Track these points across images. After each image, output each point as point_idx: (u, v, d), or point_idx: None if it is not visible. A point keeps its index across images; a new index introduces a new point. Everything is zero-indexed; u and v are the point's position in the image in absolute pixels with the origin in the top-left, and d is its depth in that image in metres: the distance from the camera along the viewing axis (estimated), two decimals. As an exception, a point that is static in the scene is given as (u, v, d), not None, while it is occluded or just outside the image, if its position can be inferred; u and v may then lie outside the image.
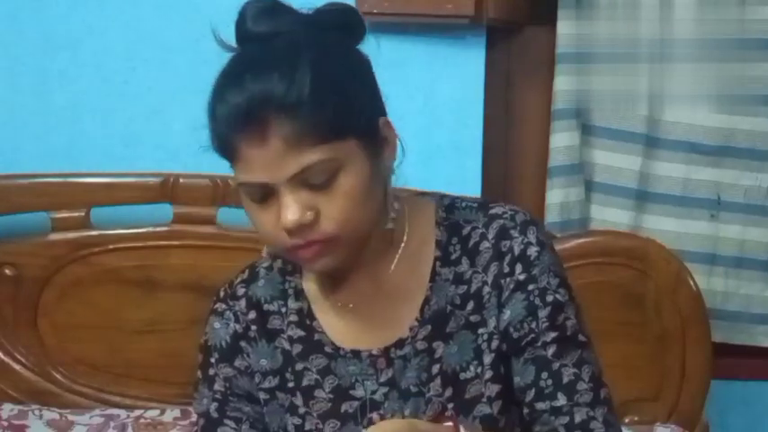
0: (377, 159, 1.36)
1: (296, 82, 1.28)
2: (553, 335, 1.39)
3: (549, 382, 1.38)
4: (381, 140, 1.37)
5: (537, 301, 1.39)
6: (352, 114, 1.32)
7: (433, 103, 2.23)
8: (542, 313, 1.39)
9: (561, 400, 1.37)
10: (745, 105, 2.30)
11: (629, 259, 2.13)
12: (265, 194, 1.33)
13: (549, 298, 1.40)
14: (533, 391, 1.38)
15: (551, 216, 2.28)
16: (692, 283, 2.13)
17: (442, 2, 2.14)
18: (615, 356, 2.12)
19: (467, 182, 2.21)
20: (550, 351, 1.39)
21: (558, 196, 2.29)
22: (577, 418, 1.37)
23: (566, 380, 1.38)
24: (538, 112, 2.36)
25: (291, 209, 1.31)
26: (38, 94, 2.23)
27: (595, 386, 1.39)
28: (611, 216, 2.33)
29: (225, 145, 1.33)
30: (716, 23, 2.26)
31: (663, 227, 2.32)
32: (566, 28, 2.26)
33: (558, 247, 2.08)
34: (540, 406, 1.38)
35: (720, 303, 2.35)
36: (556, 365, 1.38)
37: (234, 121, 1.30)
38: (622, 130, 2.31)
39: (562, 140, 2.28)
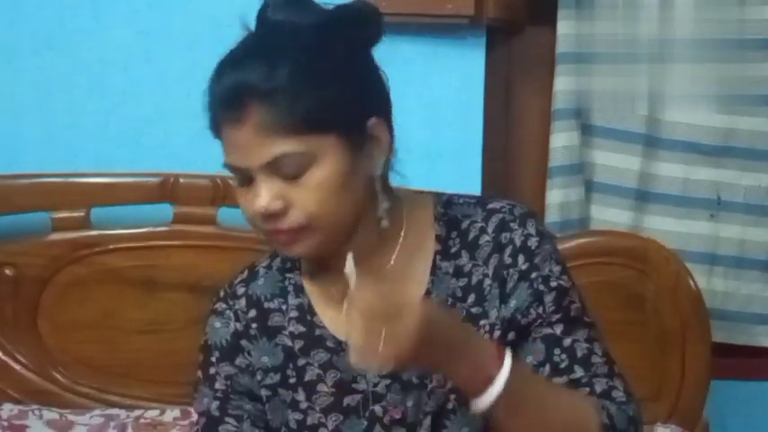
0: (358, 157, 1.37)
1: (274, 72, 1.31)
2: (559, 316, 1.41)
3: (564, 356, 1.39)
4: (367, 139, 1.38)
5: (541, 287, 1.41)
6: (334, 111, 1.34)
7: (433, 104, 2.23)
8: (548, 298, 1.41)
9: (579, 372, 1.39)
10: (745, 105, 2.30)
11: (629, 259, 2.13)
12: (245, 178, 1.37)
13: (553, 284, 1.42)
14: (548, 366, 1.39)
15: (551, 216, 2.28)
16: (692, 283, 2.13)
17: (442, 2, 2.14)
18: (615, 356, 2.12)
19: (467, 182, 2.21)
20: (558, 329, 1.41)
21: (558, 196, 2.29)
22: (598, 389, 1.38)
23: (580, 354, 1.40)
24: (538, 112, 2.36)
25: (261, 197, 1.35)
26: (38, 94, 2.23)
27: (609, 360, 1.42)
28: (611, 216, 2.33)
29: (213, 125, 1.38)
30: (716, 23, 2.26)
31: (663, 227, 2.32)
32: (566, 28, 2.26)
33: (558, 247, 2.11)
34: (558, 380, 1.39)
35: (720, 303, 2.35)
36: (567, 341, 1.40)
37: (218, 102, 1.35)
38: (622, 130, 2.31)
39: (562, 140, 2.28)
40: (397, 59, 2.20)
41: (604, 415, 1.34)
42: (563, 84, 2.28)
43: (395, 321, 1.21)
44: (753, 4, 2.27)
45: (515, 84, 2.38)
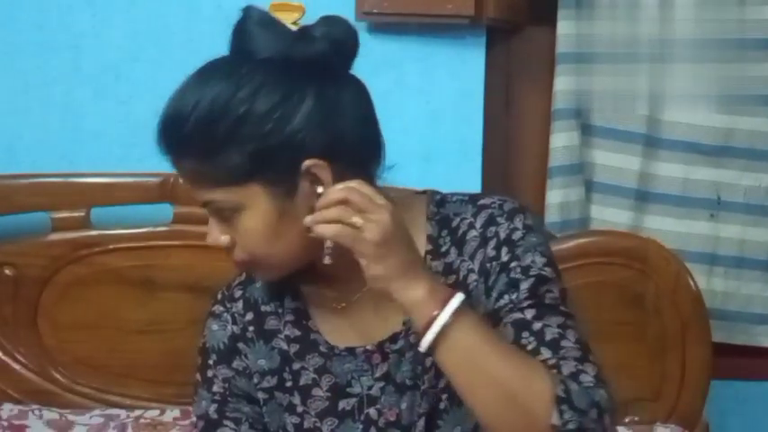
0: (290, 200, 1.35)
1: (198, 128, 1.33)
2: (531, 302, 1.37)
3: (531, 339, 1.34)
4: (303, 180, 1.35)
5: (519, 276, 1.38)
6: (256, 163, 1.33)
7: (433, 103, 2.23)
8: (524, 285, 1.38)
9: (546, 354, 1.33)
10: (745, 105, 2.30)
11: (629, 259, 2.13)
12: None
13: (533, 272, 1.38)
14: None
15: (551, 216, 2.28)
16: (691, 283, 2.13)
17: (442, 2, 2.14)
18: (615, 356, 2.11)
19: (467, 182, 2.21)
20: (529, 314, 1.36)
21: (558, 196, 2.29)
22: (565, 371, 1.31)
23: (549, 337, 1.34)
24: (538, 112, 2.36)
25: (209, 232, 1.40)
26: (38, 94, 2.23)
27: (583, 348, 1.35)
28: (611, 216, 2.33)
29: None
30: (716, 23, 2.26)
31: (663, 227, 2.32)
32: (566, 28, 2.26)
33: (557, 247, 2.11)
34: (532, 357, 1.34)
35: (720, 303, 2.35)
36: (537, 325, 1.35)
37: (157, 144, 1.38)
38: (622, 130, 2.31)
39: (562, 140, 2.28)
40: (397, 59, 2.21)
41: (561, 388, 1.28)
42: (563, 84, 2.28)
43: (370, 206, 1.27)
44: (753, 4, 2.27)
45: (515, 84, 2.38)
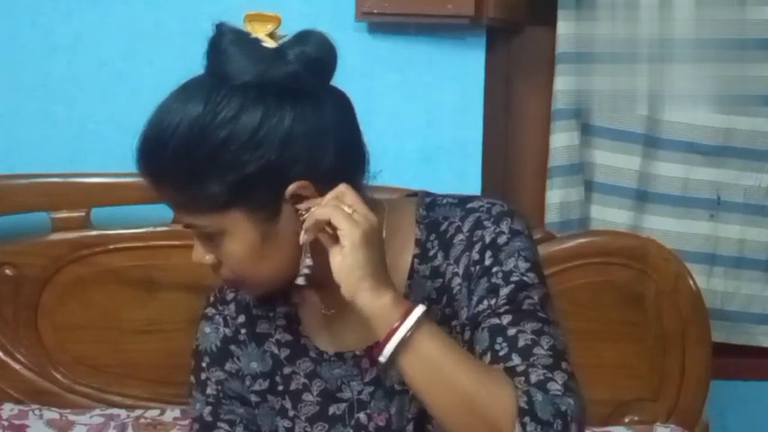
0: (274, 224, 1.34)
1: (174, 159, 1.33)
2: (508, 308, 1.36)
3: (504, 344, 1.33)
4: (287, 204, 1.34)
5: (500, 282, 1.37)
6: (238, 191, 1.32)
7: (433, 103, 2.23)
8: (503, 291, 1.36)
9: (516, 361, 1.32)
10: (744, 105, 2.30)
11: (629, 259, 2.13)
12: None
13: (514, 278, 1.37)
14: (489, 355, 1.33)
15: (551, 216, 2.29)
16: (691, 283, 2.13)
17: (442, 2, 2.14)
18: (615, 356, 2.12)
19: (467, 182, 2.21)
20: (506, 320, 1.35)
21: (557, 196, 2.29)
22: (533, 378, 1.30)
23: (521, 344, 1.33)
24: (538, 112, 2.36)
25: (195, 251, 1.40)
26: (38, 94, 2.23)
27: (556, 355, 1.33)
28: (611, 216, 2.33)
29: None
30: (715, 23, 2.26)
31: (663, 227, 2.32)
32: (566, 28, 2.26)
33: (557, 247, 2.11)
34: (496, 368, 1.33)
35: (720, 303, 2.35)
36: (512, 331, 1.34)
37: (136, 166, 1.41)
38: (622, 130, 2.31)
39: (562, 140, 2.29)
40: (396, 59, 2.21)
41: (524, 400, 1.26)
42: (563, 84, 2.28)
43: (359, 205, 1.29)
44: (753, 5, 2.27)
45: (515, 84, 2.38)
